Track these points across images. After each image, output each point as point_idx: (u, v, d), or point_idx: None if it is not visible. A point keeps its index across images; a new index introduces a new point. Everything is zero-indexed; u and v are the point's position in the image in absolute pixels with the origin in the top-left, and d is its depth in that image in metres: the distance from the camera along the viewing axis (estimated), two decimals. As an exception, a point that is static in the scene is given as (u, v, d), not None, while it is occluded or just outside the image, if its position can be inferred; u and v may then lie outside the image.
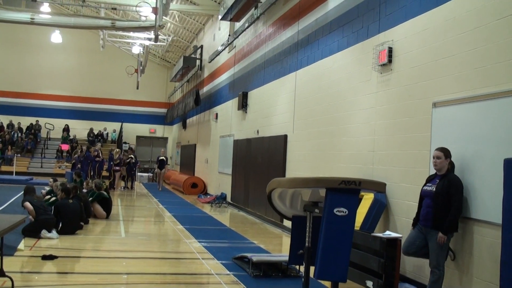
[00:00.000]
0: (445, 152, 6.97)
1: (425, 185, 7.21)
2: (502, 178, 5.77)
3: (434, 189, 6.92)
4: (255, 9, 16.39)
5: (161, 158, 28.12)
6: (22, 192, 11.51)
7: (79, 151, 26.56)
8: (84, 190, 15.09)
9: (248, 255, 8.88)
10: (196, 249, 10.58)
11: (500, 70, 6.46)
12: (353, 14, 10.51)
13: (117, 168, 26.26)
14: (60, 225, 11.48)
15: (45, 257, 8.91)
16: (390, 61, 8.94)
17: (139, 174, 32.56)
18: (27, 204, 11.08)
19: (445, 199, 6.77)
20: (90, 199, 14.23)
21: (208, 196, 22.66)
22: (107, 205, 14.70)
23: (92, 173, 24.12)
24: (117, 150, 28.35)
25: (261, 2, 16.11)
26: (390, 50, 8.93)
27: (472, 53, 6.99)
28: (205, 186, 25.37)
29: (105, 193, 14.86)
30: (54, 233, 10.99)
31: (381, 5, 9.44)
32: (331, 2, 11.61)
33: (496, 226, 6.16)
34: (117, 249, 10.58)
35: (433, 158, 7.05)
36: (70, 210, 11.72)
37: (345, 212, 6.04)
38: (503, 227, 5.71)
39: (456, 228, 6.83)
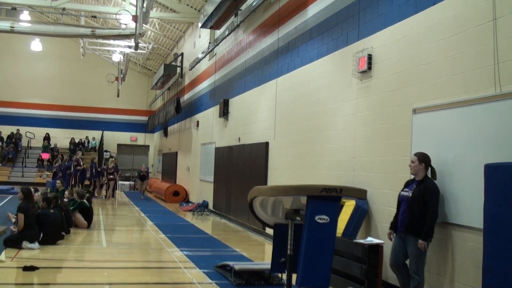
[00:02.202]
0: (419, 157, 7.04)
1: (402, 190, 7.25)
2: (482, 183, 5.82)
3: (410, 194, 6.98)
4: (235, 17, 16.41)
5: (142, 174, 28.63)
6: (20, 194, 11.31)
7: (60, 160, 26.36)
8: (65, 200, 14.95)
9: (230, 263, 8.85)
10: (178, 258, 10.53)
11: (478, 77, 6.53)
12: (332, 21, 10.56)
13: (112, 176, 26.42)
14: (41, 235, 11.36)
15: (27, 268, 8.79)
16: (369, 68, 9.00)
17: (120, 182, 32.39)
18: (21, 217, 10.85)
19: (420, 204, 6.82)
20: (71, 208, 14.10)
21: (190, 204, 22.58)
22: (88, 214, 14.58)
23: (73, 182, 23.96)
24: (112, 159, 28.61)
25: (241, 10, 16.13)
26: (370, 57, 8.99)
27: (451, 59, 7.06)
28: (187, 194, 25.28)
29: (86, 202, 14.74)
30: (35, 244, 10.87)
31: (360, 12, 9.49)
32: (311, 9, 11.66)
33: (478, 231, 6.20)
34: (99, 259, 10.50)
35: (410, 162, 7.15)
36: (51, 220, 11.59)
37: (327, 219, 6.04)
38: (485, 233, 5.75)
39: (432, 234, 6.88)
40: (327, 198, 6.03)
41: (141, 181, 28.56)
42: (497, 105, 6.19)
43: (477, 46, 6.58)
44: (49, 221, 11.53)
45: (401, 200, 7.20)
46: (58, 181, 16.51)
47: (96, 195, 25.38)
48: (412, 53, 7.93)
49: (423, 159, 7.01)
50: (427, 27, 7.60)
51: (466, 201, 6.59)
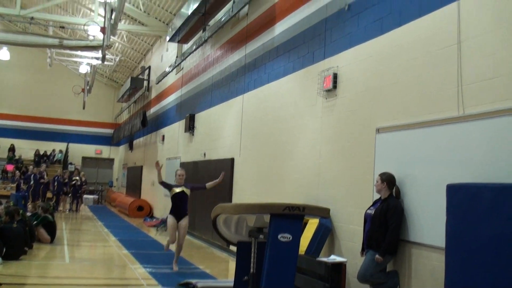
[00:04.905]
0: (383, 176, 7.19)
1: (368, 208, 7.37)
2: (445, 202, 5.90)
3: (373, 212, 7.09)
4: (203, 32, 16.42)
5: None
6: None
7: (23, 172, 25.97)
8: (28, 213, 14.66)
9: (193, 281, 8.76)
10: (141, 275, 10.39)
11: (442, 98, 6.62)
12: (299, 40, 10.63)
13: (81, 190, 26.63)
14: (4, 250, 11.09)
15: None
16: (335, 86, 9.06)
17: (84, 196, 31.96)
18: None
19: (382, 222, 6.96)
20: (35, 222, 13.81)
21: (154, 220, 22.36)
22: (51, 229, 14.30)
23: (36, 196, 23.62)
24: (83, 173, 28.61)
25: (209, 26, 16.15)
26: (335, 76, 9.06)
27: (416, 80, 7.15)
28: (151, 209, 25.05)
29: (50, 216, 14.48)
30: (-1, 259, 10.61)
31: (326, 32, 9.58)
32: (278, 27, 11.73)
33: (440, 250, 6.26)
34: (62, 275, 10.29)
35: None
36: (15, 235, 11.31)
37: (289, 238, 6.06)
38: (446, 252, 5.82)
39: (395, 251, 6.99)
40: (290, 217, 6.05)
41: (176, 220, 27.62)
42: (460, 126, 6.28)
43: (442, 68, 6.68)
44: (12, 236, 11.25)
45: (366, 218, 7.35)
46: (29, 205, 16.25)
47: (60, 208, 25.01)
48: (377, 73, 8.02)
49: (385, 178, 7.14)
50: (393, 48, 7.70)
51: (428, 220, 6.66)
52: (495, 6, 5.92)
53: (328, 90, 9.25)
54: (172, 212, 11.08)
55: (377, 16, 8.13)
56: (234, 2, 13.75)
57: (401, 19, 7.55)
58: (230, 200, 13.73)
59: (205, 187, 11.10)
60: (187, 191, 10.97)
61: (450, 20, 6.57)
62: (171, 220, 11.05)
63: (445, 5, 6.69)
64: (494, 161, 5.77)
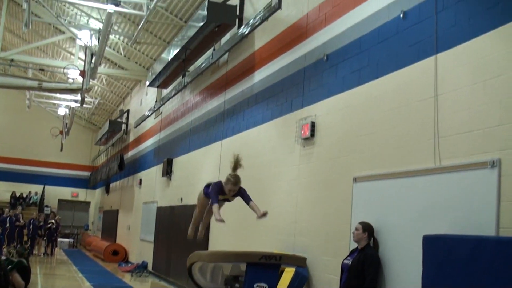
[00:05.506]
0: (364, 226, 7.14)
1: (345, 258, 7.31)
2: (420, 252, 5.89)
3: (350, 262, 7.05)
4: (183, 77, 16.52)
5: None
6: None
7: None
8: (3, 257, 14.32)
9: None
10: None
11: (419, 149, 6.69)
12: (278, 88, 10.73)
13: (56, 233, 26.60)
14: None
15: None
16: (312, 135, 9.12)
17: (59, 239, 31.46)
18: None
19: (359, 272, 6.90)
20: (9, 267, 13.47)
21: (129, 265, 22.02)
22: (26, 274, 13.96)
23: (11, 239, 23.23)
24: (59, 216, 28.62)
25: (189, 71, 16.26)
26: (313, 125, 9.12)
27: (393, 131, 7.22)
28: (127, 254, 24.71)
29: (24, 261, 14.17)
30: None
31: (305, 81, 9.69)
32: (257, 75, 11.84)
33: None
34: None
35: (354, 229, 7.21)
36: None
37: (265, 287, 6.00)
38: (422, 303, 5.79)
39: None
40: (266, 266, 6.01)
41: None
42: (437, 177, 6.33)
43: (419, 120, 6.76)
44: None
45: (343, 268, 7.27)
46: (4, 249, 15.97)
47: (35, 252, 24.60)
48: (355, 123, 8.10)
49: (367, 228, 7.12)
50: (370, 98, 7.79)
51: (405, 271, 6.64)
52: (472, 62, 6.05)
53: (306, 138, 9.30)
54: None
55: (355, 67, 8.25)
56: (214, 49, 13.90)
57: (378, 71, 7.67)
58: (207, 247, 13.59)
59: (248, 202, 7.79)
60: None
61: (428, 73, 6.68)
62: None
63: (423, 59, 6.81)
64: (470, 213, 5.80)
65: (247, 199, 7.57)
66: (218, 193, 7.34)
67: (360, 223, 7.22)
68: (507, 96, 5.53)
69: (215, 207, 6.94)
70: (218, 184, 7.41)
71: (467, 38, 6.15)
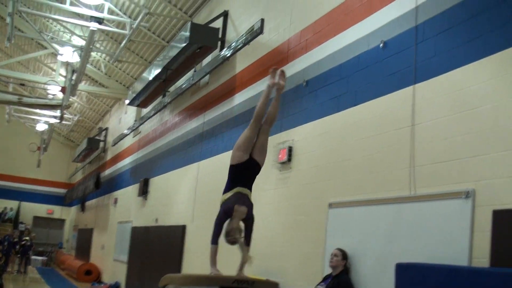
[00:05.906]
0: (343, 253, 7.13)
1: (319, 283, 7.27)
2: (393, 279, 5.88)
3: (324, 289, 7.03)
4: (163, 97, 16.50)
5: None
6: None
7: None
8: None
9: None
10: None
11: (394, 177, 6.72)
12: (257, 111, 10.72)
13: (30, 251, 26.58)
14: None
15: None
16: (289, 159, 9.13)
17: (33, 257, 30.94)
18: None
19: (332, 299, 6.86)
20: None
21: (102, 285, 21.72)
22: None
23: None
24: (34, 234, 28.89)
25: (170, 92, 16.24)
26: (290, 149, 9.14)
27: (369, 158, 7.26)
28: (100, 274, 24.38)
29: (-1, 279, 13.94)
30: None
31: (284, 105, 9.68)
32: (237, 98, 11.86)
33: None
34: None
35: (331, 255, 7.17)
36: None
37: (237, 311, 5.94)
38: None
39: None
40: (238, 290, 5.94)
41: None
42: (411, 206, 6.36)
43: (395, 148, 6.81)
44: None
45: (315, 294, 7.23)
46: None
47: (8, 269, 24.23)
48: (332, 149, 8.12)
49: (346, 256, 7.10)
50: (348, 125, 7.83)
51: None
52: (450, 93, 6.10)
53: (283, 163, 9.31)
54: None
55: (334, 94, 8.29)
56: (195, 70, 13.92)
57: (357, 99, 7.72)
58: (180, 269, 13.46)
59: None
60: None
61: (406, 103, 6.73)
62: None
63: (401, 88, 6.87)
64: (444, 242, 5.82)
65: (247, 239, 6.92)
66: (222, 224, 6.90)
67: (339, 249, 7.18)
68: (484, 128, 5.59)
69: (213, 249, 6.73)
70: (227, 211, 6.92)
71: (446, 69, 6.23)
